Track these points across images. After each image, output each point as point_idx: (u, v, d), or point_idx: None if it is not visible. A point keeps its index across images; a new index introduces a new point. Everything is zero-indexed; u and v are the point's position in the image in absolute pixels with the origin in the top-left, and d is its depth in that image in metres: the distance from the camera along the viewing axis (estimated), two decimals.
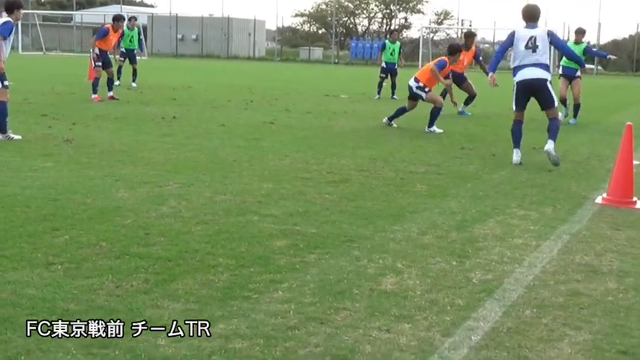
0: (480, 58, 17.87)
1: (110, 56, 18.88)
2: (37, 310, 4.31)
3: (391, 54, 21.91)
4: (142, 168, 9.03)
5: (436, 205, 7.51)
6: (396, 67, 21.97)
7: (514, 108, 10.38)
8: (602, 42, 61.64)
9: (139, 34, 24.34)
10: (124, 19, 19.66)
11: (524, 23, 10.36)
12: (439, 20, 73.25)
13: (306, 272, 5.19)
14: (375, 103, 20.03)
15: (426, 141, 12.46)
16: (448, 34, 66.34)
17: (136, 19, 23.78)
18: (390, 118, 14.43)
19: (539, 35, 10.13)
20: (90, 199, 7.23)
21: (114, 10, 67.75)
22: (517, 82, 10.19)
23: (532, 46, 10.10)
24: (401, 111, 14.29)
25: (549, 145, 9.98)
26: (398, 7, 71.43)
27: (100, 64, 18.01)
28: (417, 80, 13.82)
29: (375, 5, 75.38)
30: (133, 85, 22.86)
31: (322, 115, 16.23)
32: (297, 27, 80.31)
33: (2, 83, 10.93)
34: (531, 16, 10.36)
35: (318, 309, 4.51)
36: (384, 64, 21.96)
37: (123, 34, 21.89)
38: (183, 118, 14.64)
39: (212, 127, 13.32)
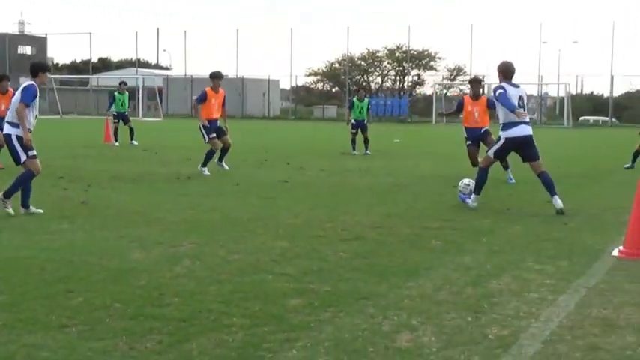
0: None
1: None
2: None
3: (360, 111, 23.18)
4: (157, 228, 9.07)
5: (451, 261, 7.48)
6: (365, 122, 23.15)
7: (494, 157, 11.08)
8: (616, 94, 61.85)
9: (129, 97, 26.36)
10: (221, 76, 16.02)
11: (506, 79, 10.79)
12: (452, 76, 73.76)
13: (321, 330, 5.17)
14: (389, 160, 20.10)
15: (441, 196, 12.45)
16: (461, 90, 66.69)
17: (126, 84, 26.03)
18: None
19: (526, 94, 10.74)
20: (105, 260, 7.26)
21: (129, 72, 68.73)
22: (508, 138, 10.73)
23: (523, 104, 10.75)
24: None
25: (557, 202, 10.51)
26: (411, 64, 72.02)
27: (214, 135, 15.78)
28: None
29: (388, 63, 76.04)
30: (134, 143, 24.61)
31: (337, 173, 16.29)
32: (311, 86, 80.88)
33: (27, 154, 10.02)
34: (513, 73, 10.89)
35: None
36: (353, 121, 23.19)
37: (114, 99, 25.17)
38: (198, 178, 14.73)
39: (227, 187, 13.38)
